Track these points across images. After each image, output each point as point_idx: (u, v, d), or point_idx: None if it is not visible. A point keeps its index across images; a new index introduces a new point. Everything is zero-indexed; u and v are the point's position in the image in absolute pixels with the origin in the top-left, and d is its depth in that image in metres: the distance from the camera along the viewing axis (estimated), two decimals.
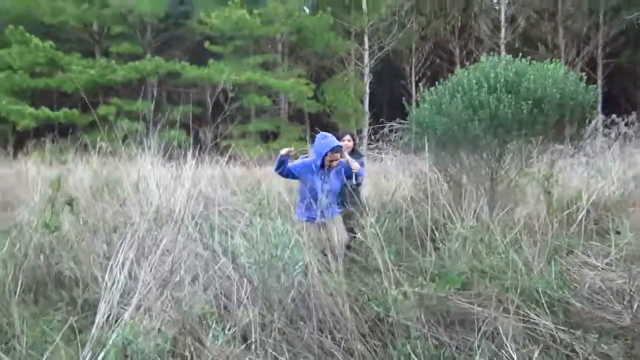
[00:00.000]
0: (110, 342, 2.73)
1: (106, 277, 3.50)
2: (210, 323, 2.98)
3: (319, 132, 5.63)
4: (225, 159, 9.06)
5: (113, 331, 2.90)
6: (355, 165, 5.20)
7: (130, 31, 25.41)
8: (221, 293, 3.63)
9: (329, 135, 5.09)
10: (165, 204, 5.39)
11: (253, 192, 6.26)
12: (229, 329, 3.22)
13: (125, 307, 3.25)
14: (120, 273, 3.46)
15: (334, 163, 4.98)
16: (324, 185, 5.00)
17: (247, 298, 3.46)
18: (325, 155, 4.92)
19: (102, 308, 3.22)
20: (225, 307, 3.58)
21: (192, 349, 2.74)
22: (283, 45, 27.05)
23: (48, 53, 22.76)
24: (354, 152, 5.89)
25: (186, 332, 2.75)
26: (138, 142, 6.82)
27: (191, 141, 7.28)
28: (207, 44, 24.59)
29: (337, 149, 4.96)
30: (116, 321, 3.16)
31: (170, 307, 3.02)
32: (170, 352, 2.75)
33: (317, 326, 3.42)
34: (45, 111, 21.93)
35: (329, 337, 3.36)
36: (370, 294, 3.72)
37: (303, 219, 4.94)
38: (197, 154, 7.36)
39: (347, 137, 5.98)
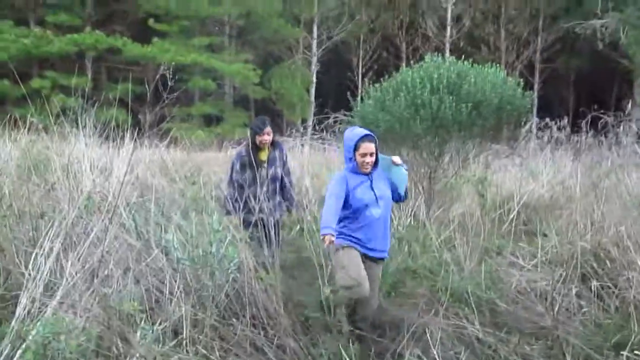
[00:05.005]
0: (30, 338, 2.60)
1: (30, 267, 3.33)
2: (138, 320, 2.89)
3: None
4: (166, 142, 8.82)
5: (34, 326, 2.76)
6: (396, 158, 4.02)
7: (68, 1, 24.14)
8: (153, 286, 3.53)
9: (359, 128, 3.98)
10: (99, 189, 5.18)
11: (192, 181, 6.13)
12: (160, 324, 3.15)
13: (50, 300, 3.10)
14: (45, 263, 3.29)
15: (370, 160, 3.76)
16: (376, 190, 3.77)
17: (180, 293, 3.38)
18: (356, 148, 3.76)
19: (24, 300, 3.05)
20: (157, 301, 3.49)
21: (118, 347, 2.65)
22: (231, 28, 26.50)
23: None
24: (274, 145, 4.93)
25: (112, 330, 2.66)
26: (72, 120, 6.51)
27: (129, 122, 7.01)
28: (151, 22, 23.74)
29: (370, 139, 3.79)
30: (39, 314, 3.01)
31: (96, 303, 2.91)
32: (94, 352, 2.64)
33: (250, 323, 3.40)
34: None
35: (262, 333, 3.35)
36: (303, 293, 3.73)
37: (349, 243, 3.73)
38: (135, 136, 7.11)
39: (269, 128, 4.83)
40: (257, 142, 4.79)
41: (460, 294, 3.95)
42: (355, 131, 3.84)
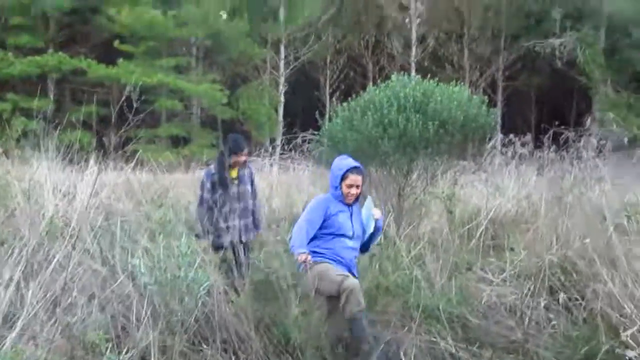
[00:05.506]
0: None
1: None
2: (103, 350, 2.79)
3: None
4: (132, 164, 8.67)
5: None
6: (377, 211, 3.97)
7: (31, 23, 23.71)
8: (119, 313, 3.42)
9: (349, 158, 3.95)
10: (62, 214, 5.04)
11: (159, 203, 6.02)
12: (126, 352, 3.05)
13: (9, 332, 2.96)
14: (4, 293, 3.16)
15: (355, 192, 3.78)
16: (354, 225, 3.80)
17: (147, 319, 3.29)
18: (343, 178, 3.77)
19: None
20: (123, 328, 3.39)
21: None
22: (197, 49, 26.42)
23: None
24: (243, 163, 4.79)
25: None
26: (34, 143, 6.34)
27: (94, 145, 6.88)
28: (116, 43, 23.48)
29: (359, 171, 3.83)
30: None
31: (59, 333, 2.79)
32: None
33: (220, 347, 3.33)
34: None
35: (233, 358, 3.28)
36: (273, 315, 3.67)
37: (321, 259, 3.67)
38: (100, 158, 6.97)
39: (247, 150, 4.81)
40: (232, 162, 4.66)
41: (432, 310, 3.96)
42: (346, 161, 3.85)
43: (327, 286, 3.52)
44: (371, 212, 3.91)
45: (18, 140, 6.50)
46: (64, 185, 5.83)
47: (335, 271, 3.57)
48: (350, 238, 3.77)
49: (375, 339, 3.48)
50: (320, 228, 3.73)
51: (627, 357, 2.95)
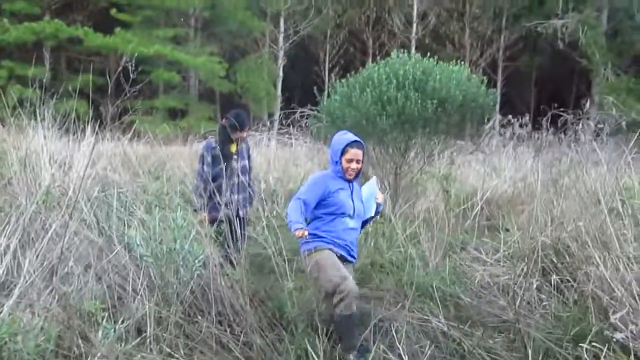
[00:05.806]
0: None
1: None
2: (99, 319, 2.81)
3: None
4: (128, 135, 8.62)
5: None
6: (380, 195, 3.92)
7: None
8: (115, 284, 3.45)
9: (349, 133, 3.80)
10: (58, 183, 5.03)
11: (156, 175, 6.01)
12: (122, 322, 3.08)
13: (6, 299, 2.99)
14: (1, 261, 3.18)
15: (356, 166, 3.67)
16: (355, 203, 3.70)
17: (143, 289, 3.31)
18: (343, 152, 3.66)
19: None
20: (119, 299, 3.41)
21: (79, 347, 2.57)
22: (196, 20, 26.08)
23: None
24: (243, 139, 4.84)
25: (72, 330, 2.58)
26: (30, 112, 6.29)
27: (90, 114, 6.83)
28: (113, 12, 23.14)
29: (360, 146, 3.70)
30: None
31: (55, 301, 2.82)
32: (53, 353, 2.56)
33: (215, 319, 3.36)
34: None
35: (228, 330, 3.32)
36: (268, 289, 3.70)
37: (321, 243, 3.59)
38: (97, 128, 6.92)
39: (248, 126, 4.84)
40: (234, 137, 4.65)
41: (426, 289, 4.01)
42: (346, 136, 3.72)
43: (324, 282, 3.48)
44: (374, 193, 3.83)
45: (14, 108, 6.43)
46: (60, 155, 5.81)
47: (334, 269, 3.48)
48: (352, 217, 3.68)
49: (359, 333, 3.46)
50: (320, 207, 3.63)
51: (614, 339, 3.00)
